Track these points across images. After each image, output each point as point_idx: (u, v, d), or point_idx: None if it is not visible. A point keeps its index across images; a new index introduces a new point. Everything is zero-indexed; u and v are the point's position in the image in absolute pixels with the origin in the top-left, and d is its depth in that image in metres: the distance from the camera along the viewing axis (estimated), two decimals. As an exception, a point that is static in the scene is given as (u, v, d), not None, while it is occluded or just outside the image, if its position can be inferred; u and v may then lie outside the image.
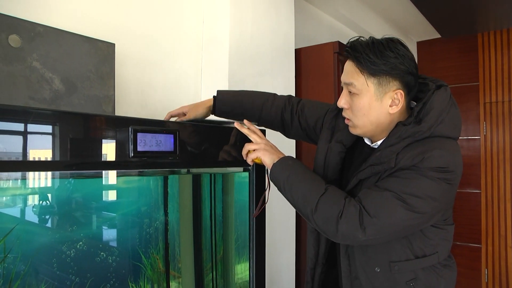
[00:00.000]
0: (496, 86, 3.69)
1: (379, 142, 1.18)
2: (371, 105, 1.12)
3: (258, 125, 1.44)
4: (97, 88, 1.39)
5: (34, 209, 1.14)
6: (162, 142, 1.09)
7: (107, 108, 1.43)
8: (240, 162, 1.36)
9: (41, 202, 1.15)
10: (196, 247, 1.53)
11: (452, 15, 3.33)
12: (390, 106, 1.12)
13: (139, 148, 1.02)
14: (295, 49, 2.25)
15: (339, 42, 2.16)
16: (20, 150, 0.89)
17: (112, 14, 1.57)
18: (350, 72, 1.13)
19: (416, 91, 1.17)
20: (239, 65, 1.89)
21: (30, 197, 1.12)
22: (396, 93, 1.10)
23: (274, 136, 1.83)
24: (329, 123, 1.33)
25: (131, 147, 1.00)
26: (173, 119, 1.44)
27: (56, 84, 1.28)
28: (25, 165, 0.89)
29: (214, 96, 1.46)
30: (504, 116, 3.64)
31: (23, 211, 1.12)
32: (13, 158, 0.89)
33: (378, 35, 1.16)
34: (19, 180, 1.05)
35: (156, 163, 1.10)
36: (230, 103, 1.46)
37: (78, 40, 1.35)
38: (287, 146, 2.18)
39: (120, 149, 1.00)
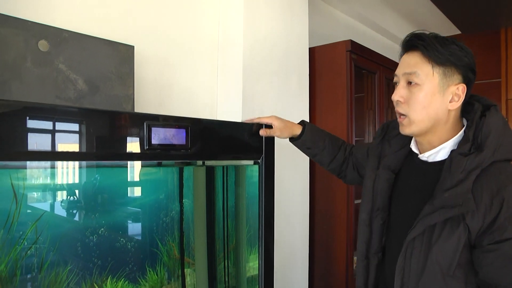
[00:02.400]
0: (519, 83, 3.70)
1: (427, 154, 1.17)
2: (433, 98, 1.09)
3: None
4: (118, 88, 1.53)
5: (61, 197, 1.29)
6: (175, 136, 1.21)
7: (127, 106, 1.57)
8: (250, 155, 1.48)
9: (67, 192, 1.29)
10: (209, 237, 1.65)
11: (473, 11, 3.36)
12: (450, 102, 1.10)
13: (153, 142, 1.14)
14: (309, 48, 2.35)
15: (351, 41, 2.25)
16: (49, 143, 1.03)
17: (131, 17, 1.70)
18: (414, 61, 1.11)
19: (462, 110, 1.16)
20: (253, 65, 2.01)
21: (58, 186, 1.27)
22: (458, 87, 1.09)
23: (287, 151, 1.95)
24: (375, 150, 1.34)
25: (146, 140, 1.13)
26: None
27: (80, 84, 1.42)
28: (54, 155, 1.03)
29: (301, 124, 1.56)
30: (527, 113, 3.65)
31: (52, 199, 1.27)
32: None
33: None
34: (48, 170, 1.20)
35: (168, 155, 1.22)
36: (312, 142, 1.54)
37: (99, 43, 1.49)
38: (302, 163, 2.29)
39: (136, 142, 1.13)
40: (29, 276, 1.19)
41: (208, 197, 1.64)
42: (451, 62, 1.07)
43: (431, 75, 1.08)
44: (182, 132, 1.23)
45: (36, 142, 1.02)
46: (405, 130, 1.16)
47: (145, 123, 1.14)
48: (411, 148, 1.24)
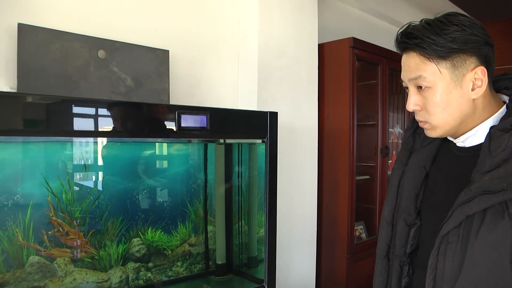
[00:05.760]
0: (535, 69, 4.01)
1: (463, 138, 1.06)
2: (451, 95, 0.99)
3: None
4: (157, 84, 2.07)
5: (116, 165, 1.85)
6: (198, 120, 1.74)
7: (164, 98, 2.11)
8: (257, 135, 1.99)
9: (120, 161, 1.85)
10: (227, 201, 2.19)
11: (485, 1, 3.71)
12: (472, 90, 0.98)
13: (182, 125, 1.67)
14: (319, 44, 2.82)
15: (353, 38, 2.71)
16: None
17: (166, 28, 2.24)
18: (415, 64, 1.01)
19: (502, 87, 1.09)
20: (267, 60, 2.50)
21: (114, 157, 1.83)
22: (475, 72, 0.97)
23: (298, 134, 2.44)
24: (406, 144, 1.26)
25: (177, 124, 1.66)
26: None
27: (128, 82, 1.97)
28: (116, 134, 1.58)
29: None
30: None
31: (109, 167, 1.82)
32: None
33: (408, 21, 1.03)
34: (108, 144, 1.76)
35: (193, 135, 1.75)
36: None
37: (143, 50, 2.03)
38: (311, 144, 2.79)
39: (170, 125, 1.65)
40: (94, 221, 1.76)
41: (227, 169, 2.17)
42: (456, 50, 0.96)
43: (439, 73, 0.98)
44: (204, 118, 1.75)
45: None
46: (431, 134, 1.08)
47: (176, 112, 1.66)
48: (445, 137, 1.13)
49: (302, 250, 2.73)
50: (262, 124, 1.98)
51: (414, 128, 1.25)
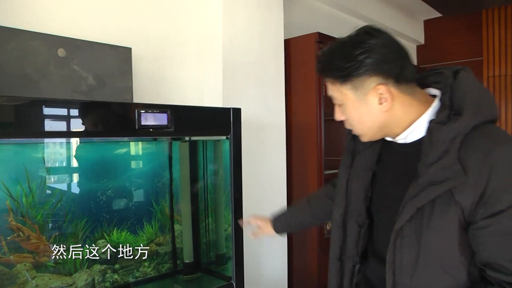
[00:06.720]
0: (500, 61, 4.14)
1: (403, 135, 1.11)
2: (360, 111, 1.08)
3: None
4: (119, 82, 2.06)
5: (78, 166, 1.83)
6: (159, 118, 1.74)
7: (128, 96, 2.11)
8: (221, 131, 2.00)
9: (82, 161, 1.84)
10: (193, 199, 2.19)
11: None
12: (380, 103, 1.05)
13: (142, 123, 1.67)
14: (285, 40, 2.84)
15: (318, 33, 2.74)
16: (65, 126, 1.56)
17: (128, 25, 2.23)
18: (328, 84, 1.13)
19: (432, 82, 1.14)
20: (232, 56, 2.50)
21: (75, 158, 1.81)
22: (377, 90, 1.03)
23: (266, 131, 2.46)
24: (347, 147, 1.32)
25: (137, 122, 1.66)
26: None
27: (90, 80, 1.96)
28: (71, 134, 1.57)
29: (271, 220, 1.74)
30: (507, 89, 4.10)
31: (71, 168, 1.81)
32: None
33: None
34: (66, 146, 1.75)
35: (155, 132, 1.75)
36: (286, 227, 1.76)
37: (104, 47, 2.02)
38: (279, 140, 2.81)
39: (130, 123, 1.65)
40: (56, 224, 1.74)
41: (192, 166, 2.18)
42: (354, 74, 1.03)
43: (344, 94, 1.08)
44: (164, 115, 1.75)
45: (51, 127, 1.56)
46: (362, 139, 1.18)
47: (136, 110, 1.66)
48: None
49: (273, 246, 2.75)
50: (225, 121, 1.99)
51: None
